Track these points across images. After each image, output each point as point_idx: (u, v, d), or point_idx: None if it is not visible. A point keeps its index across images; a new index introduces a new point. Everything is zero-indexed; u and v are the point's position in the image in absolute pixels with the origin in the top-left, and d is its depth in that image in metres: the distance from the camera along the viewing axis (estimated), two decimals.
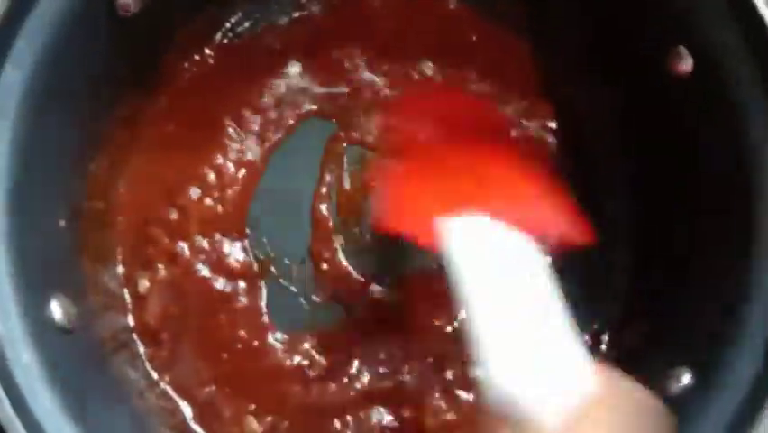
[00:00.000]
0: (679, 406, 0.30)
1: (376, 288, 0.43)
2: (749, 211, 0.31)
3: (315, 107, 0.45)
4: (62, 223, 0.35)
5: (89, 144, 0.39)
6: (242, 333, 0.42)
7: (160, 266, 0.43)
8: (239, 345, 0.42)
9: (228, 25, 0.45)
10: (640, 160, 0.42)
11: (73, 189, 0.37)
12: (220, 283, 0.43)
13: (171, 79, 0.44)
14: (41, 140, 0.32)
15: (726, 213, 0.33)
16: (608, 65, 0.41)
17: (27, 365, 0.28)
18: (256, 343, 0.42)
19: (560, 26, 0.43)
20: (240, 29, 0.45)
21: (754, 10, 0.31)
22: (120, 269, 0.43)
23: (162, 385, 0.42)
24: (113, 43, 0.36)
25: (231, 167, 0.44)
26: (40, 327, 0.30)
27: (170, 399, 0.41)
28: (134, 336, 0.42)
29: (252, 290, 0.43)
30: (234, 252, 0.43)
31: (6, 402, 0.26)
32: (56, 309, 0.32)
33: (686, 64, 0.34)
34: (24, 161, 0.31)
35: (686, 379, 0.30)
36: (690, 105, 0.35)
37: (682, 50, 0.34)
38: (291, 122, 0.45)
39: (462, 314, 0.41)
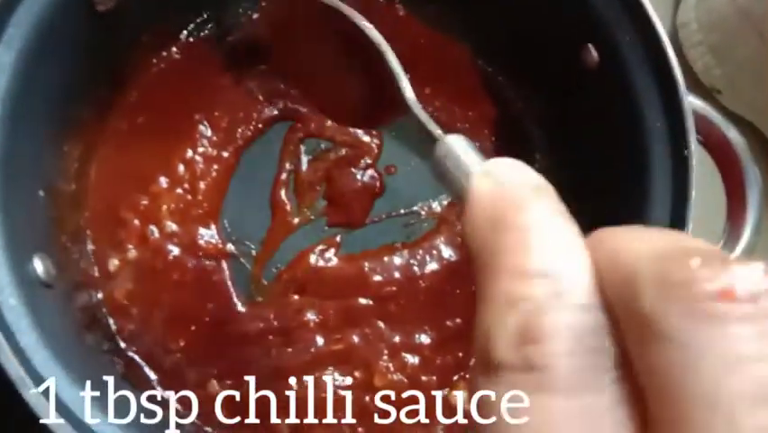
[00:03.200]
0: None
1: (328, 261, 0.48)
2: (643, 180, 0.37)
3: (278, 109, 0.49)
4: (41, 193, 0.38)
5: (64, 127, 0.42)
6: (210, 306, 0.45)
7: (129, 246, 0.46)
8: (206, 318, 0.45)
9: (193, 25, 0.49)
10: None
11: (49, 166, 0.41)
12: (190, 263, 0.46)
13: (141, 74, 0.47)
14: (26, 117, 0.35)
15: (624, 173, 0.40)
16: (534, 64, 0.47)
17: (14, 307, 0.31)
18: (222, 314, 0.45)
19: (489, 32, 0.49)
20: (205, 29, 0.49)
21: (646, 15, 0.37)
22: (90, 248, 0.46)
23: (130, 354, 0.45)
24: (89, 36, 0.40)
25: (200, 162, 0.47)
26: (24, 278, 0.33)
27: (138, 366, 0.45)
28: (104, 309, 0.45)
29: (219, 268, 0.46)
30: (205, 235, 0.47)
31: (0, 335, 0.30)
32: (38, 266, 0.35)
33: (593, 58, 0.40)
34: (12, 135, 0.34)
35: None
36: (599, 93, 0.41)
37: (590, 47, 0.40)
38: (260, 125, 0.49)
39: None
